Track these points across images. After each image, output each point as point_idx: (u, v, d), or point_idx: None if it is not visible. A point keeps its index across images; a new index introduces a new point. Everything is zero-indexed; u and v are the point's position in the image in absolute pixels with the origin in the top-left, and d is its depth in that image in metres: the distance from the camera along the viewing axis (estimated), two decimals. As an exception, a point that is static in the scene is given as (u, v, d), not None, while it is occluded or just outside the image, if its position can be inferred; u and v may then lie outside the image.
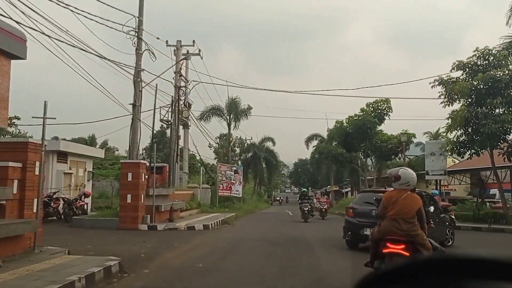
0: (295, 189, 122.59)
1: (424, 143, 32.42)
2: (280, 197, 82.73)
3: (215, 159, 49.76)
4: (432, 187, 39.46)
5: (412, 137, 32.14)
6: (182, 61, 29.76)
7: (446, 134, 24.67)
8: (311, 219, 23.38)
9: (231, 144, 42.85)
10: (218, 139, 50.84)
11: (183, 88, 28.79)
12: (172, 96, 27.06)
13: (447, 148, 25.19)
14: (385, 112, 32.74)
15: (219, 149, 54.19)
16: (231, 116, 37.00)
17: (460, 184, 38.68)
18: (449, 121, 23.92)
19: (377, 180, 35.06)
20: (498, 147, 22.58)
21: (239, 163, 49.73)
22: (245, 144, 53.04)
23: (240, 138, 54.24)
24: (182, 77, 29.78)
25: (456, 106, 23.44)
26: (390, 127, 72.75)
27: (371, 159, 35.18)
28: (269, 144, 54.44)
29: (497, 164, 24.54)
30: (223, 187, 32.07)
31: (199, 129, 40.01)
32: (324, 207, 26.41)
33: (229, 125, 37.55)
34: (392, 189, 6.16)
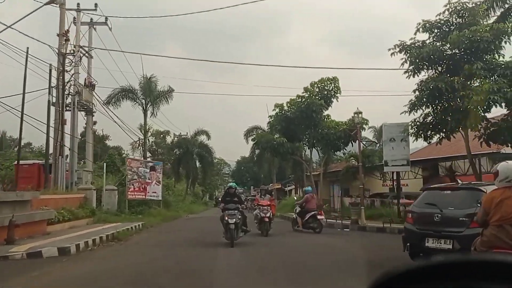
0: (240, 189, 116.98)
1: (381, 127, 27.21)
2: None
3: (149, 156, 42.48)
4: (369, 185, 35.15)
5: (365, 124, 27.04)
6: (75, 26, 22.73)
7: (409, 114, 19.55)
8: (245, 238, 13.87)
9: (148, 135, 35.86)
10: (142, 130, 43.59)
11: (76, 57, 21.72)
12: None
13: (411, 132, 20.08)
14: (333, 93, 27.39)
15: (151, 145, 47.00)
16: (147, 100, 30.17)
17: (415, 178, 34.27)
18: (415, 96, 18.81)
19: (323, 176, 29.75)
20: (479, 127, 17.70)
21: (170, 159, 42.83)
22: (172, 137, 46.22)
23: (165, 131, 47.33)
24: (83, 48, 22.80)
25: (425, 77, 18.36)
26: (338, 113, 67.80)
27: (317, 150, 29.83)
28: (203, 138, 48.09)
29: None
30: (134, 188, 25.25)
31: (109, 116, 32.80)
32: (267, 215, 16.31)
33: (145, 111, 30.65)
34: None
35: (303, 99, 26.62)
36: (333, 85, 27.38)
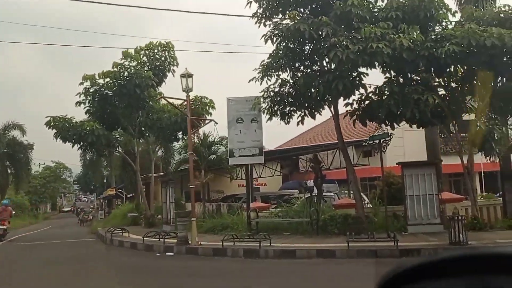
0: (89, 196, 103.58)
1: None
2: (73, 208, 66.17)
3: None
4: (240, 182, 29.31)
5: (210, 107, 20.72)
6: None
7: (262, 83, 13.66)
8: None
9: None
10: None
11: None
12: None
13: (263, 107, 14.22)
14: (167, 65, 20.47)
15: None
16: None
17: (273, 175, 29.25)
18: (271, 57, 13.09)
19: (162, 178, 22.65)
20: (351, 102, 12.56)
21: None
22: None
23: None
24: None
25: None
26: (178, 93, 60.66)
27: (146, 141, 22.64)
28: (15, 133, 37.31)
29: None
30: None
31: None
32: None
33: None
34: None
35: (123, 69, 19.14)
36: (166, 53, 20.46)
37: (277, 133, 79.26)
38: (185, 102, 13.58)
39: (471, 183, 12.98)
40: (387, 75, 12.78)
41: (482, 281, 0.84)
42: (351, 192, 17.74)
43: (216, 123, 17.49)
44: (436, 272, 0.89)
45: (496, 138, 11.12)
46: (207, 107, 20.70)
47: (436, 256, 0.93)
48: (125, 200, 34.54)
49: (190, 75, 13.38)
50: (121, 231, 16.69)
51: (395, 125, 13.37)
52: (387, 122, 13.39)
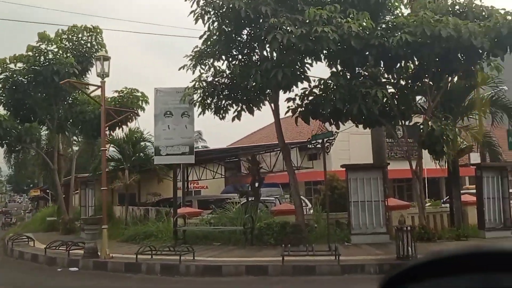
0: (19, 197, 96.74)
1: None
2: (3, 209, 61.00)
3: None
4: (165, 187, 27.12)
5: (143, 101, 18.60)
6: None
7: (194, 71, 11.91)
8: None
9: None
10: None
11: None
12: None
13: (195, 100, 12.49)
14: (93, 52, 18.15)
15: None
16: None
17: (214, 177, 27.44)
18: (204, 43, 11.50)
19: (81, 178, 20.17)
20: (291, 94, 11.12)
21: None
22: None
23: None
24: None
25: None
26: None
27: (67, 137, 20.14)
28: None
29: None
30: None
31: None
32: None
33: None
34: None
35: (38, 53, 16.65)
36: (93, 38, 18.17)
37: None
38: (99, 90, 11.45)
39: (420, 188, 11.90)
40: (334, 69, 11.48)
41: (488, 279, 0.81)
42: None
43: (138, 115, 15.45)
44: (441, 270, 0.86)
45: (448, 140, 10.04)
46: (140, 101, 18.57)
47: (441, 254, 0.90)
48: (51, 201, 31.37)
49: (106, 58, 11.35)
50: (26, 239, 14.26)
51: (341, 124, 12.04)
52: (332, 121, 12.07)
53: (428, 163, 14.64)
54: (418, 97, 13.03)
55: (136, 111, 17.88)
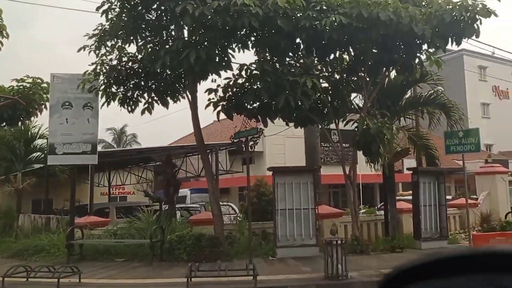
0: None
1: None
2: None
3: None
4: (103, 189, 24.39)
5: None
6: None
7: (97, 54, 9.94)
8: None
9: None
10: None
11: None
12: None
13: (97, 87, 10.49)
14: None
15: None
16: None
17: (138, 182, 25.10)
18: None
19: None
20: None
21: None
22: None
23: None
24: None
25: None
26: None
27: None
28: None
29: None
30: None
31: None
32: None
33: None
34: None
35: None
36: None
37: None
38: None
39: (354, 195, 10.66)
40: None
41: (488, 279, 0.82)
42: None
43: (23, 103, 13.04)
44: (440, 270, 0.87)
45: (385, 139, 8.84)
46: (45, 93, 16.04)
47: (440, 254, 0.89)
48: None
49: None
50: None
51: (269, 121, 10.52)
52: (259, 117, 10.52)
53: (363, 168, 13.61)
54: (353, 95, 11.90)
55: (40, 104, 15.39)
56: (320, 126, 12.15)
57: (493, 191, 14.56)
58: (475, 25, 8.98)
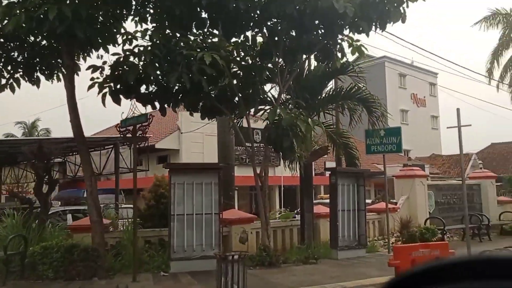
0: None
1: None
2: None
3: None
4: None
5: None
6: None
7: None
8: None
9: None
10: None
11: None
12: None
13: None
14: None
15: None
16: None
17: (34, 180, 21.97)
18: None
19: None
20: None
21: None
22: None
23: None
24: None
25: None
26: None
27: None
28: None
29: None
30: None
31: None
32: None
33: None
34: None
35: None
36: None
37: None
38: None
39: (264, 198, 9.24)
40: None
41: (488, 285, 0.80)
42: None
43: None
44: (441, 277, 0.84)
45: (299, 133, 7.50)
46: None
47: (441, 261, 0.87)
48: None
49: None
50: None
51: (166, 106, 8.79)
52: (156, 104, 8.75)
53: (287, 169, 12.34)
54: (269, 86, 10.52)
55: None
56: (233, 120, 10.62)
57: (412, 196, 13.95)
58: (401, 8, 7.98)
